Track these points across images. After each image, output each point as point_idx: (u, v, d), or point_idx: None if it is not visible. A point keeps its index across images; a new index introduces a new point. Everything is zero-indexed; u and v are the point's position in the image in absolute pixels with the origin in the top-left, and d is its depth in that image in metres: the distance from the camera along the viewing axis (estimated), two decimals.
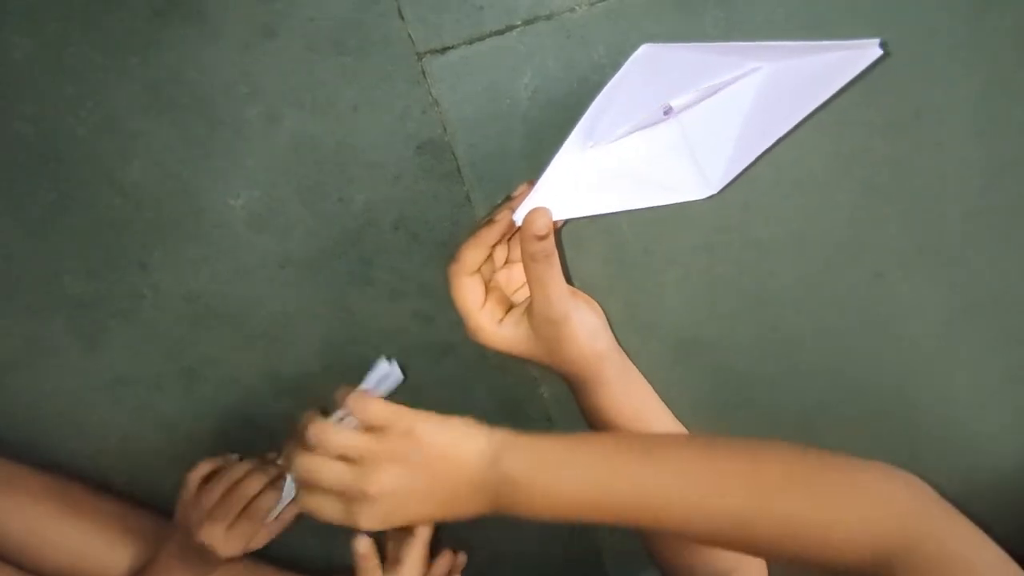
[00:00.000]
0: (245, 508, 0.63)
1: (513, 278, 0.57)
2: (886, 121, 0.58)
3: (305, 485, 0.51)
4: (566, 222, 0.56)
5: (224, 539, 0.62)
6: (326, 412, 0.52)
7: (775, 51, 0.48)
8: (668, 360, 0.68)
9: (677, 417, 0.61)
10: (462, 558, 0.72)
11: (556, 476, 0.48)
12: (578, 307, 0.54)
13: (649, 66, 0.47)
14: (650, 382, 0.60)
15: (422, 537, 0.65)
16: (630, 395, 0.57)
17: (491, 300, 0.54)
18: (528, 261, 0.51)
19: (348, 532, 0.73)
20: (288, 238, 0.61)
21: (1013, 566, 0.43)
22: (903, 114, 0.58)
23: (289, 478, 0.63)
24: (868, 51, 0.46)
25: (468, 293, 0.53)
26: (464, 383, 0.69)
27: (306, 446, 0.50)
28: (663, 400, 0.61)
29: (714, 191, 0.53)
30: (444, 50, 0.54)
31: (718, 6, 0.53)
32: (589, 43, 0.54)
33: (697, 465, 0.47)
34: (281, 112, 0.56)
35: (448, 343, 0.67)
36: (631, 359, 0.59)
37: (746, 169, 0.52)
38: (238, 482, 0.64)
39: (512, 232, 0.52)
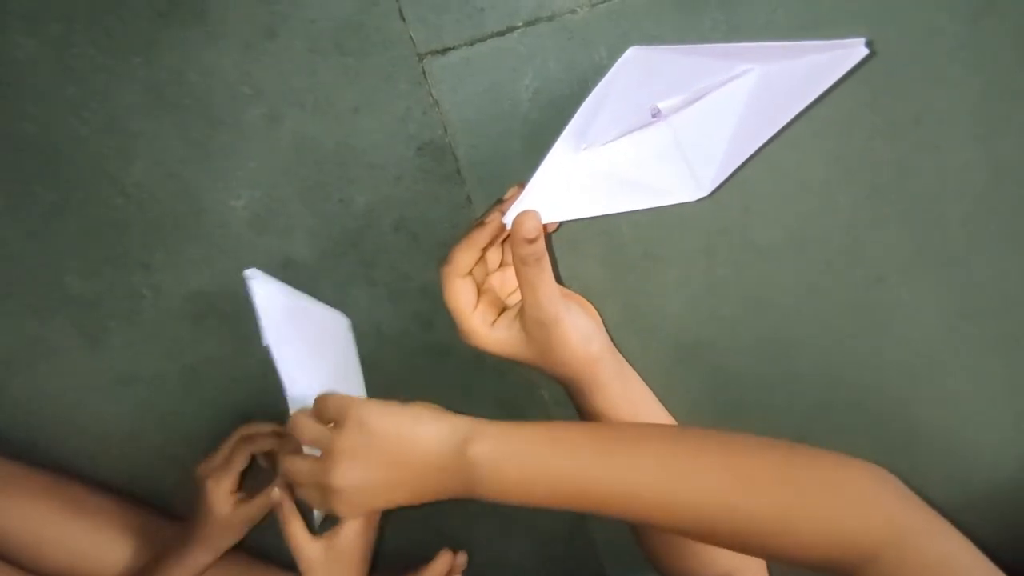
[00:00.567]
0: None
1: (507, 281, 0.57)
2: (886, 124, 0.58)
3: (288, 479, 0.54)
4: (559, 225, 0.56)
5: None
6: None
7: (763, 52, 0.48)
8: (667, 362, 0.68)
9: (675, 419, 0.61)
10: (462, 558, 0.72)
11: (526, 464, 0.48)
12: (570, 310, 0.54)
13: (638, 68, 0.47)
14: (649, 384, 0.60)
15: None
16: (626, 397, 0.57)
17: (484, 303, 0.54)
18: (518, 264, 0.51)
19: None
20: (289, 239, 0.61)
21: (990, 565, 0.43)
22: (903, 117, 0.58)
23: None
24: (855, 51, 0.46)
25: (460, 295, 0.53)
26: (464, 385, 0.69)
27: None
28: (662, 402, 0.61)
29: (705, 193, 0.53)
30: (445, 51, 0.54)
31: (719, 8, 0.53)
32: (590, 44, 0.54)
33: (669, 456, 0.47)
34: (282, 113, 0.56)
35: (448, 345, 0.67)
36: (631, 361, 0.59)
37: (736, 171, 0.52)
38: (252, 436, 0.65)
39: (504, 235, 0.52)
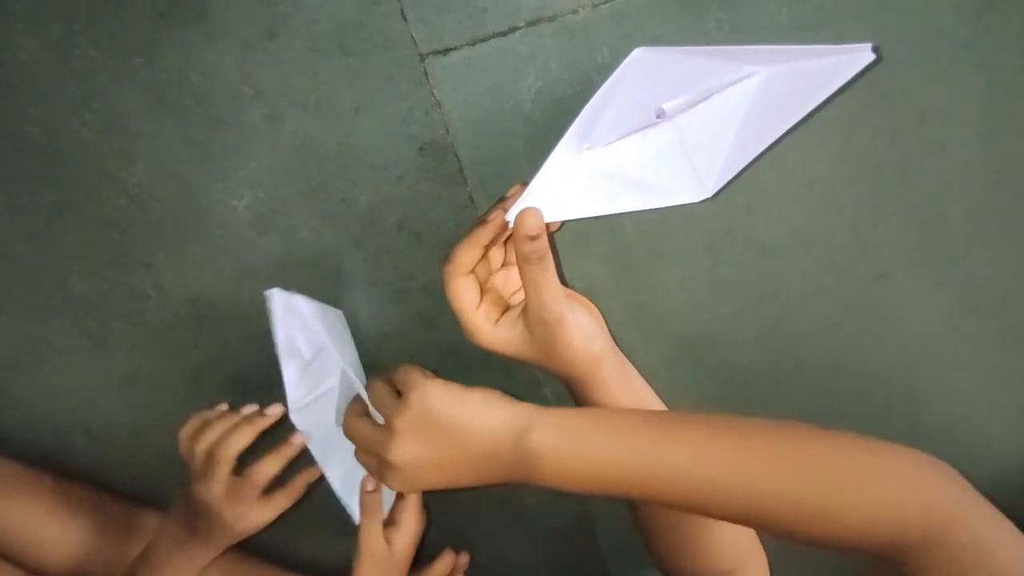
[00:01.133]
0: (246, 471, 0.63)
1: (510, 281, 0.57)
2: (891, 123, 0.58)
3: (350, 439, 0.55)
4: (562, 224, 0.56)
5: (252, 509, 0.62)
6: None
7: (769, 55, 0.48)
8: (671, 360, 0.68)
9: None
10: (464, 558, 0.72)
11: (583, 453, 0.48)
12: (573, 309, 0.54)
13: (644, 69, 0.47)
14: (653, 382, 0.60)
15: (413, 500, 0.66)
16: (628, 396, 0.57)
17: (487, 301, 0.54)
18: (521, 262, 0.51)
19: (346, 533, 0.73)
20: (291, 239, 0.61)
21: None
22: (907, 116, 0.58)
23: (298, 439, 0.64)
24: (861, 55, 0.46)
25: (463, 294, 0.53)
26: (467, 384, 0.69)
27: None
28: (667, 400, 0.61)
29: (708, 195, 0.53)
30: (447, 51, 0.54)
31: (722, 8, 0.53)
32: (592, 44, 0.54)
33: (718, 443, 0.47)
34: (283, 113, 0.56)
35: (451, 344, 0.67)
36: (634, 359, 0.59)
37: (740, 173, 0.52)
38: (225, 436, 0.62)
39: (506, 233, 0.52)
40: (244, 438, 0.62)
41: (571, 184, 0.51)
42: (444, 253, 0.53)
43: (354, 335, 0.66)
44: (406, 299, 0.64)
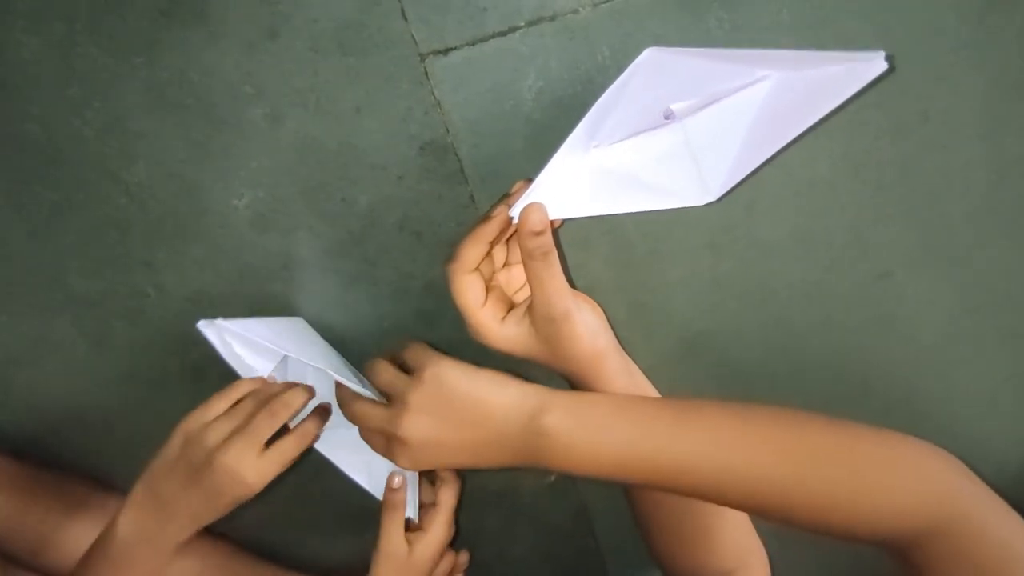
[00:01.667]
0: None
1: (513, 279, 0.57)
2: (893, 122, 0.58)
3: (354, 422, 0.54)
4: (564, 222, 0.55)
5: (255, 463, 0.55)
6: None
7: (780, 60, 0.48)
8: (673, 359, 0.68)
9: None
10: (464, 557, 0.72)
11: (595, 436, 0.48)
12: (579, 305, 0.54)
13: (654, 70, 0.47)
14: (655, 380, 0.60)
15: (446, 508, 0.66)
16: (632, 392, 0.57)
17: (492, 299, 0.54)
18: (526, 259, 0.51)
19: (346, 533, 0.73)
20: (291, 238, 0.61)
21: None
22: (909, 116, 0.58)
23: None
24: (874, 64, 0.46)
25: (468, 291, 0.53)
26: None
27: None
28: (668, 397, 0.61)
29: (713, 198, 0.53)
30: (447, 51, 0.54)
31: (722, 7, 0.53)
32: (593, 44, 0.54)
33: (734, 430, 0.47)
34: (284, 113, 0.56)
35: (452, 343, 0.66)
36: (637, 357, 0.59)
37: (746, 178, 0.52)
38: (274, 397, 0.57)
39: (510, 230, 0.52)
40: (300, 399, 0.58)
41: (576, 182, 0.51)
42: (445, 252, 0.53)
43: (354, 334, 0.66)
44: (407, 298, 0.64)
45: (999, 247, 0.64)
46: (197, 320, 0.57)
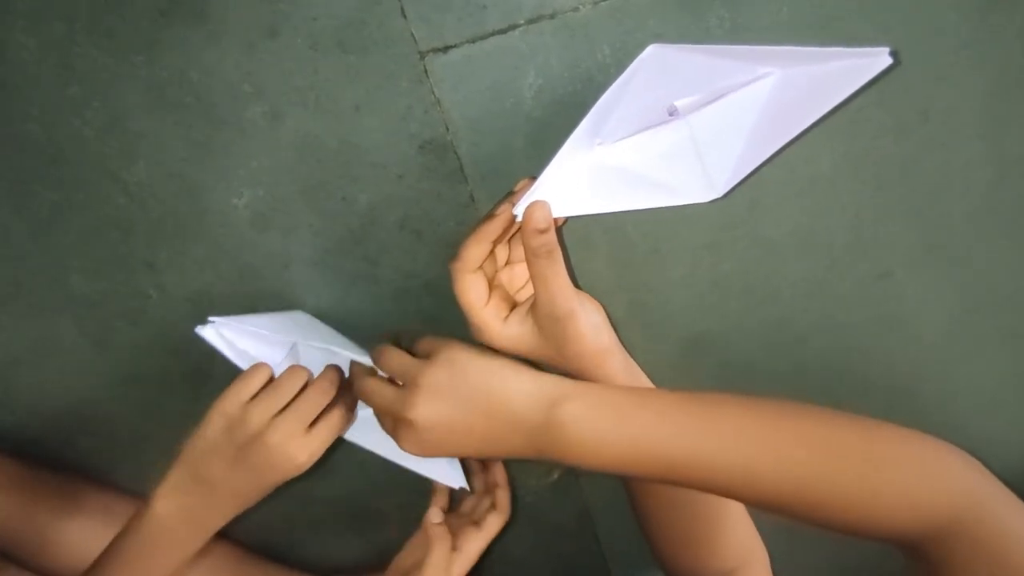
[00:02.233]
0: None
1: (515, 278, 0.57)
2: (893, 121, 0.58)
3: (365, 402, 0.54)
4: (566, 220, 0.55)
5: (304, 441, 0.55)
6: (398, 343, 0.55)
7: (784, 56, 0.48)
8: (674, 358, 0.68)
9: None
10: None
11: (611, 429, 0.47)
12: (582, 304, 0.54)
13: (657, 66, 0.47)
14: (655, 380, 0.60)
15: (488, 536, 0.66)
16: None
17: (495, 298, 0.54)
18: (530, 257, 0.50)
19: (350, 533, 0.73)
20: (292, 238, 0.61)
21: None
22: (910, 114, 0.58)
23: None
24: (878, 59, 0.46)
25: (471, 290, 0.53)
26: None
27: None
28: None
29: (718, 195, 0.52)
30: (447, 49, 0.54)
31: (723, 5, 0.53)
32: (593, 42, 0.54)
33: (752, 425, 0.47)
34: (284, 111, 0.56)
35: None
36: (636, 357, 0.59)
37: (750, 175, 0.52)
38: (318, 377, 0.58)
39: (513, 228, 0.52)
40: (337, 376, 0.58)
41: (580, 180, 0.51)
42: (446, 251, 0.53)
43: (355, 333, 0.66)
44: (407, 297, 0.64)
45: (1000, 246, 0.64)
46: (199, 320, 0.57)
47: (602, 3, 0.53)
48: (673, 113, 0.50)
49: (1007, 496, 0.45)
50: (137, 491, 0.72)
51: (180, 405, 0.69)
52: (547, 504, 0.77)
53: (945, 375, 0.70)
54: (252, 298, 0.64)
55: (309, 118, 0.56)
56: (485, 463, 0.72)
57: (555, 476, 0.75)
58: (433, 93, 0.56)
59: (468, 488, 0.67)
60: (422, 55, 0.54)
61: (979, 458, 0.74)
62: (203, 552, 0.63)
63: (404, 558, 0.66)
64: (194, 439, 0.55)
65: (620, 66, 0.53)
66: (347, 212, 0.60)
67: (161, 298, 0.63)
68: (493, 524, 0.66)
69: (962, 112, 0.57)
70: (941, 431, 0.72)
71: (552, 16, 0.53)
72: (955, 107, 0.57)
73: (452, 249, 0.52)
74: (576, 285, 0.57)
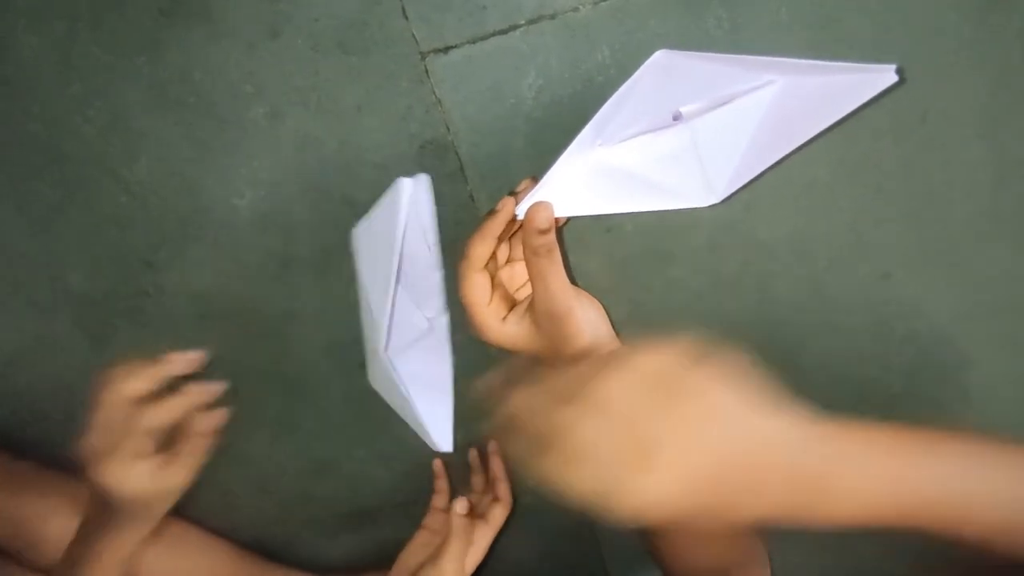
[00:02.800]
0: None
1: (515, 276, 0.57)
2: (892, 123, 0.58)
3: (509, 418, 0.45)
4: (567, 220, 0.55)
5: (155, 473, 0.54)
6: None
7: (790, 67, 0.48)
8: None
9: None
10: None
11: (860, 472, 0.41)
12: (581, 302, 0.54)
13: (664, 72, 0.47)
14: None
15: (494, 528, 0.66)
16: None
17: (496, 297, 0.54)
18: (530, 256, 0.51)
19: (346, 532, 0.73)
20: (292, 237, 0.61)
21: None
22: (909, 116, 0.58)
23: None
24: (884, 76, 0.46)
25: (476, 289, 0.53)
26: (468, 382, 0.69)
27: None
28: None
29: (717, 200, 0.53)
30: (447, 49, 0.54)
31: (722, 6, 0.53)
32: (593, 43, 0.54)
33: (983, 458, 0.42)
34: (285, 111, 0.56)
35: (453, 342, 0.67)
36: None
37: (751, 182, 0.52)
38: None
39: (514, 228, 0.52)
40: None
41: (581, 180, 0.51)
42: (445, 252, 0.53)
43: (356, 333, 0.66)
44: None
45: (999, 249, 0.64)
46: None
47: (602, 3, 0.53)
48: (677, 118, 0.50)
49: None
50: None
51: None
52: (547, 504, 0.77)
53: (944, 378, 0.70)
54: (251, 298, 0.64)
55: (310, 118, 0.56)
56: (483, 459, 0.72)
57: None
58: (434, 93, 0.56)
59: (452, 451, 0.63)
60: (423, 55, 0.54)
61: None
62: (202, 551, 0.63)
63: (409, 556, 0.66)
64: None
65: (620, 66, 0.53)
66: (347, 212, 0.60)
67: (160, 297, 0.64)
68: (498, 516, 0.67)
69: (962, 113, 0.57)
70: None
71: (552, 16, 0.53)
72: (955, 107, 0.57)
73: (451, 249, 0.52)
74: (575, 283, 0.58)
